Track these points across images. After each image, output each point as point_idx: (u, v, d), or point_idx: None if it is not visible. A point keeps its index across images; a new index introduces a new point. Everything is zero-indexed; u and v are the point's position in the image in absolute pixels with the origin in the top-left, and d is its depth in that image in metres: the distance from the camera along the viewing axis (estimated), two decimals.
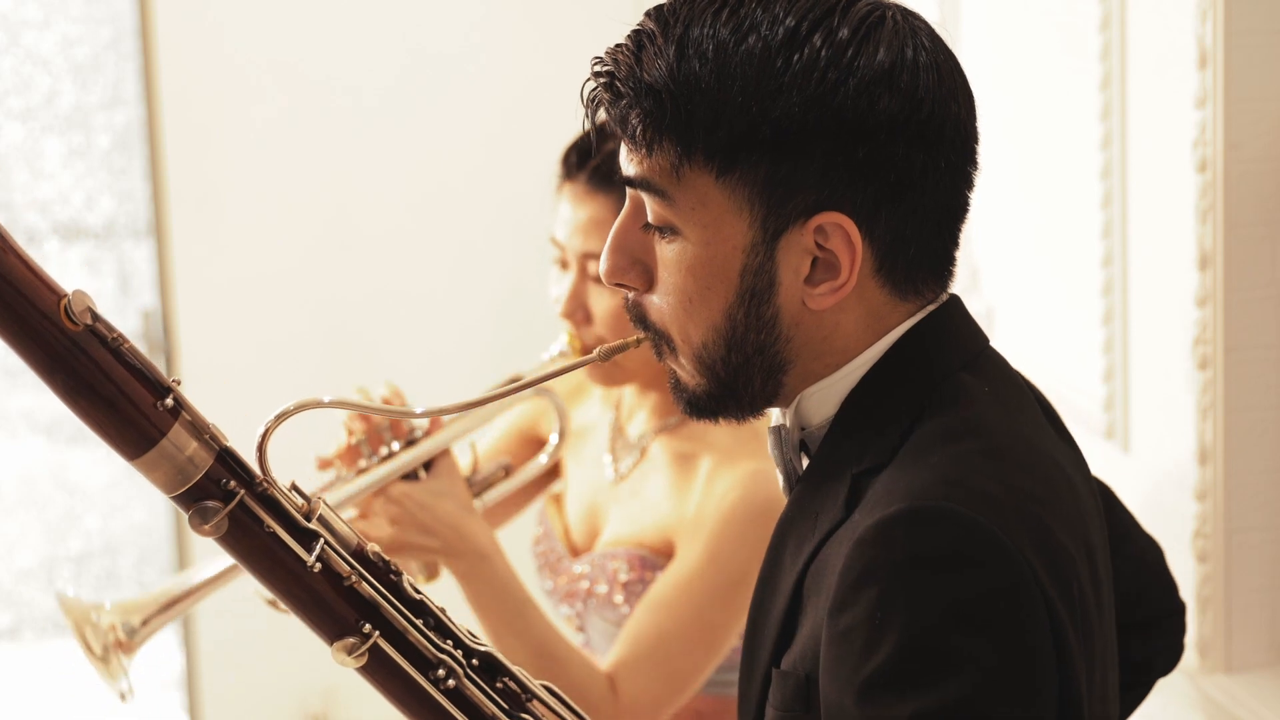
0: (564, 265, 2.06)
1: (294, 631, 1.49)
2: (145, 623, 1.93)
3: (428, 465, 1.97)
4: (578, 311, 2.04)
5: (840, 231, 1.21)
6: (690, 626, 1.94)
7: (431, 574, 2.04)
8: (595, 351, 1.32)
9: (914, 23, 1.24)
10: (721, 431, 2.00)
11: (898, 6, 1.25)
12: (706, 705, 2.04)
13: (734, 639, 1.98)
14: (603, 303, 2.01)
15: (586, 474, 2.15)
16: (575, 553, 2.14)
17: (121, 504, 3.93)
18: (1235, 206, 1.94)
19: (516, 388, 1.32)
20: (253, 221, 3.69)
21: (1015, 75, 2.52)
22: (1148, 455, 2.17)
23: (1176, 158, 2.02)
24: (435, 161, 3.73)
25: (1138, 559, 1.49)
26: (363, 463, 1.96)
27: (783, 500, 1.32)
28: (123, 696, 1.95)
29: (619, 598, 2.04)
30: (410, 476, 1.95)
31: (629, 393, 2.14)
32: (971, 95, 1.27)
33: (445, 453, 1.98)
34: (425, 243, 3.77)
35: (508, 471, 2.10)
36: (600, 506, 2.12)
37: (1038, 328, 2.46)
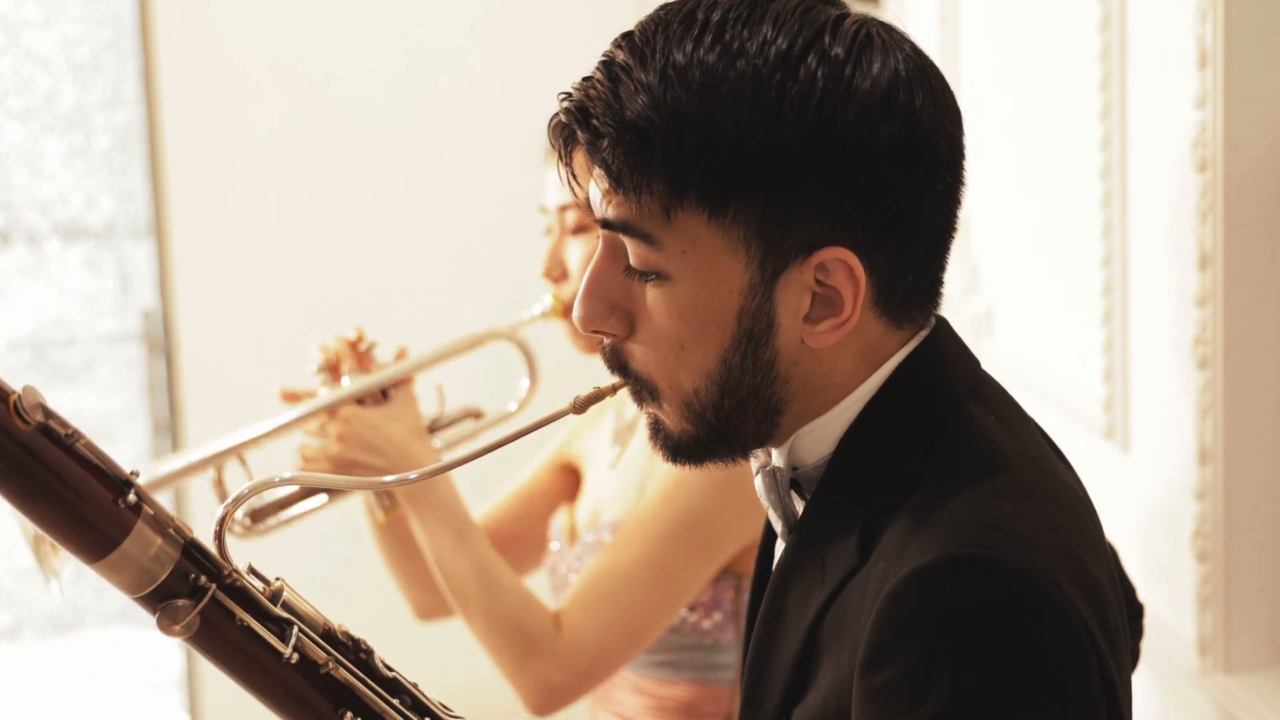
0: (548, 231, 2.10)
1: None
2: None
3: (386, 395, 2.01)
4: (555, 268, 2.07)
5: (843, 267, 1.14)
6: (638, 564, 1.92)
7: (390, 507, 2.04)
8: (569, 403, 1.23)
9: (896, 37, 1.17)
10: None
11: (878, 21, 1.18)
12: (695, 694, 2.03)
13: (690, 586, 1.95)
14: (575, 256, 2.04)
15: (598, 473, 2.16)
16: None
17: None
18: (1235, 206, 1.94)
19: (502, 441, 1.23)
20: (253, 221, 3.69)
21: (1015, 75, 2.52)
22: (1148, 455, 2.17)
23: (1176, 158, 2.02)
24: (436, 161, 3.73)
25: None
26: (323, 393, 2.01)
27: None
28: (49, 581, 1.95)
29: None
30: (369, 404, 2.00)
31: None
32: (959, 110, 1.20)
33: (404, 381, 2.02)
34: (426, 243, 3.77)
35: (476, 416, 2.12)
36: (604, 496, 2.12)
37: (1038, 328, 2.46)
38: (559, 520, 2.17)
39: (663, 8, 1.17)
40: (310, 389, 2.02)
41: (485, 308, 3.84)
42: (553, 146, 1.20)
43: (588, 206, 1.21)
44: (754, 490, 1.27)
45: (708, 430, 1.19)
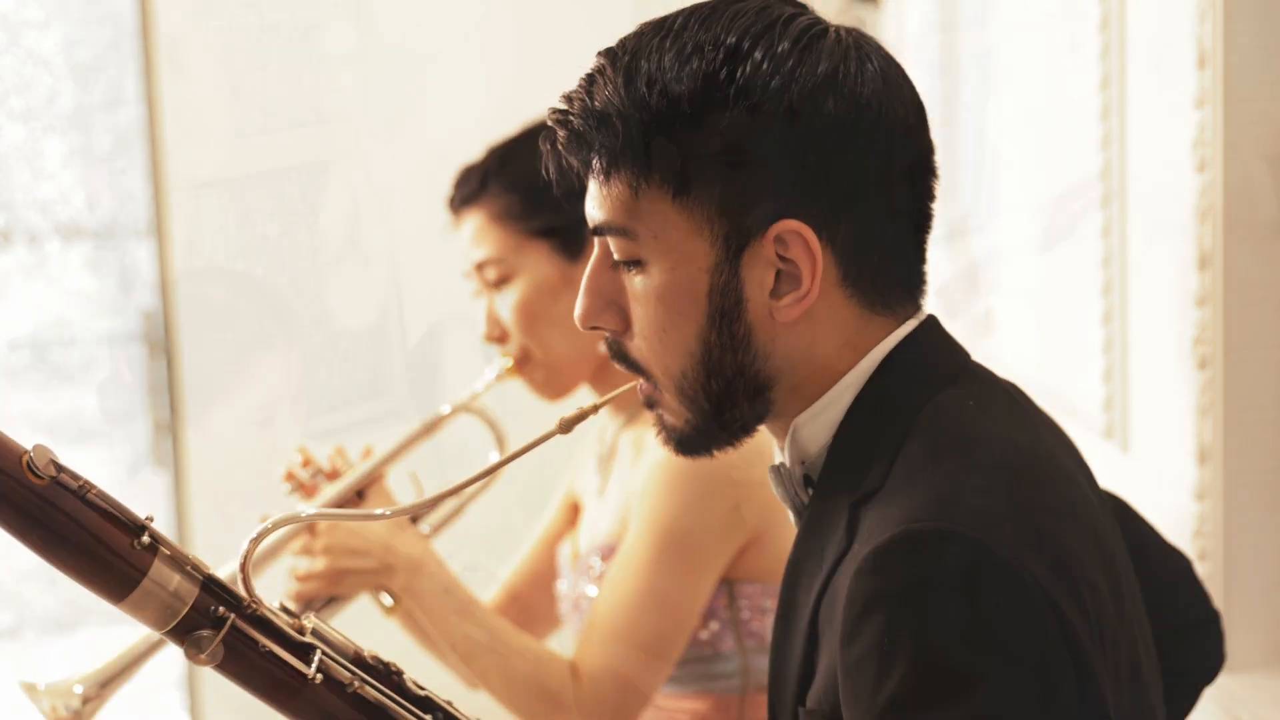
0: (476, 293, 2.12)
1: None
2: (86, 701, 1.95)
3: (362, 496, 2.04)
4: (493, 329, 2.10)
5: (799, 239, 1.22)
6: (638, 594, 1.93)
7: (393, 606, 2.05)
8: (556, 424, 1.30)
9: (859, 39, 1.26)
10: None
11: (847, 26, 1.27)
12: (706, 705, 2.04)
13: (693, 601, 1.96)
14: (502, 305, 2.07)
15: (591, 504, 2.16)
16: None
17: None
18: (1235, 206, 1.94)
19: (482, 474, 1.30)
20: (253, 221, 3.68)
21: (1015, 75, 2.52)
22: (1148, 455, 2.17)
23: (1176, 158, 2.03)
24: (436, 161, 3.73)
25: (1153, 569, 1.48)
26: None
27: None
28: None
29: (594, 591, 2.04)
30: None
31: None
32: (923, 108, 1.28)
33: (376, 479, 2.05)
34: (426, 242, 3.77)
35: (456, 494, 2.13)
36: (595, 523, 2.13)
37: (1038, 328, 2.46)
38: (564, 555, 2.18)
39: (644, 22, 1.29)
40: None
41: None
42: (544, 151, 1.31)
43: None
44: (734, 496, 1.34)
45: (703, 416, 1.27)
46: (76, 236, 3.80)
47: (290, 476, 2.07)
